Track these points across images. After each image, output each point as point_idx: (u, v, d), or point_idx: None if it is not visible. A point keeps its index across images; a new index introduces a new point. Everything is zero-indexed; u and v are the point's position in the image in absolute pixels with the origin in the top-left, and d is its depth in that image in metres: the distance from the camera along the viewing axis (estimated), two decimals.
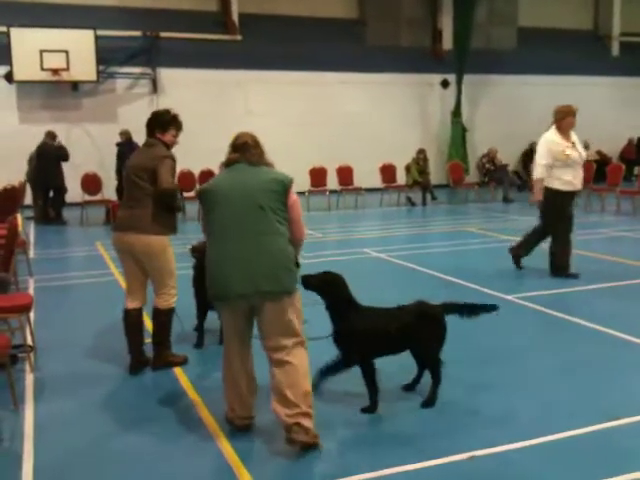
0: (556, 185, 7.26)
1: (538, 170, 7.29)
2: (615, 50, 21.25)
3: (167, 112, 4.80)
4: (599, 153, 19.30)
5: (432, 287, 7.31)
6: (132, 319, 4.79)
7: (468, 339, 5.39)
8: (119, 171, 13.51)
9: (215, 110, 16.03)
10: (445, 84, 18.51)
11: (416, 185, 15.19)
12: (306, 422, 3.48)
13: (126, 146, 13.50)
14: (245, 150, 3.71)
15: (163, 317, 4.77)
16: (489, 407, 4.08)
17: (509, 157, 18.06)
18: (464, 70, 17.89)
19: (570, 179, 7.28)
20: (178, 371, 4.79)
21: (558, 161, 7.20)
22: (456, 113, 18.30)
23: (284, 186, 3.63)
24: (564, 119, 7.26)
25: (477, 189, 16.30)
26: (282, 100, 16.76)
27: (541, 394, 4.30)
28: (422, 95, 18.40)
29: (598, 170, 14.98)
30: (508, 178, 16.18)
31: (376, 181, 15.48)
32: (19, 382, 4.54)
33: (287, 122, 16.57)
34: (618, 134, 20.03)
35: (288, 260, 3.57)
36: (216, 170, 14.08)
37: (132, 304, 4.79)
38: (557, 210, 7.34)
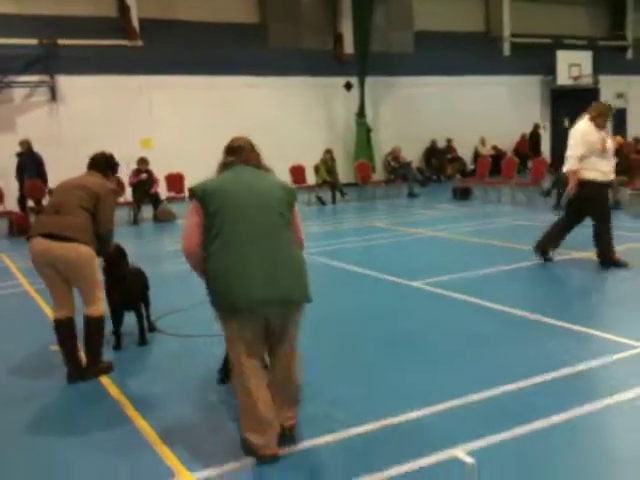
0: (593, 176, 7.19)
1: (571, 162, 7.20)
2: (506, 50, 22.48)
3: (114, 158, 5.13)
4: (494, 148, 20.37)
5: (343, 279, 7.64)
6: (64, 329, 4.72)
7: (380, 321, 5.75)
8: (21, 181, 13.14)
9: (118, 116, 15.81)
10: (348, 86, 19.01)
11: (325, 184, 15.57)
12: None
13: (27, 156, 13.16)
14: (240, 152, 3.61)
15: (96, 325, 4.74)
16: (400, 380, 4.40)
17: (412, 154, 18.79)
18: (366, 72, 18.45)
19: (607, 170, 7.27)
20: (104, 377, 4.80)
21: (594, 152, 7.16)
22: (360, 114, 18.85)
23: (293, 195, 3.61)
24: (600, 116, 7.25)
25: (384, 186, 16.87)
26: (187, 105, 16.73)
27: (448, 366, 4.65)
28: (327, 97, 18.83)
29: (494, 164, 15.86)
30: (412, 174, 16.85)
31: (286, 182, 15.72)
32: None
33: (193, 127, 16.55)
34: (512, 130, 21.21)
35: (306, 269, 3.53)
36: (125, 178, 14.03)
37: (61, 313, 4.72)
38: (597, 200, 7.30)
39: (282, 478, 3.28)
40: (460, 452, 3.30)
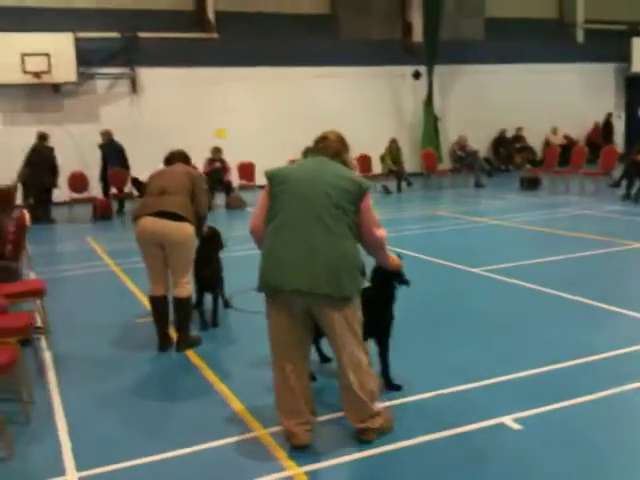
0: None
1: None
2: (580, 37, 21.97)
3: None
4: (566, 137, 20.06)
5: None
6: (160, 305, 5.21)
7: (437, 305, 6.07)
8: (104, 170, 13.93)
9: (194, 107, 16.47)
10: (417, 75, 19.11)
11: (391, 174, 15.83)
12: None
13: (108, 146, 13.94)
14: (320, 142, 3.71)
15: (186, 305, 5.22)
16: (451, 357, 4.75)
17: (479, 144, 18.72)
18: (435, 61, 18.50)
19: None
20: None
21: None
22: (428, 103, 18.89)
23: (360, 189, 3.53)
24: None
25: (450, 176, 16.96)
26: (259, 96, 17.23)
27: (498, 345, 4.98)
28: (395, 86, 18.99)
29: (566, 154, 15.69)
30: (478, 164, 16.86)
31: (359, 176, 16.01)
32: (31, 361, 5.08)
33: (264, 118, 17.06)
34: (585, 118, 20.80)
35: (352, 265, 3.43)
36: (200, 166, 14.69)
37: (159, 291, 5.20)
38: None
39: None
40: (507, 419, 3.61)
